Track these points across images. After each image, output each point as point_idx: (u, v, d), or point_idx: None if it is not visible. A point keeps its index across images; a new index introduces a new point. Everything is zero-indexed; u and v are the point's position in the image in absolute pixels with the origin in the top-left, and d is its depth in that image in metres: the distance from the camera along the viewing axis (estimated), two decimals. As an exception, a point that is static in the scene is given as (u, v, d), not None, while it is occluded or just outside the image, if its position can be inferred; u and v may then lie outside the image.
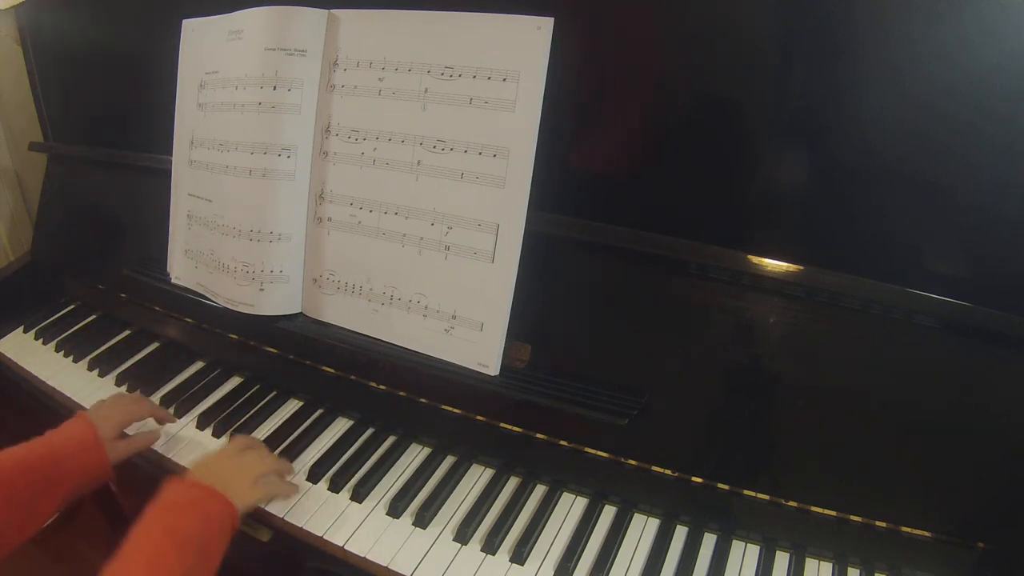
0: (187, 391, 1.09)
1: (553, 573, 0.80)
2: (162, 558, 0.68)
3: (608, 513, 0.87)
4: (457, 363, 0.90)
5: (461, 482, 0.92)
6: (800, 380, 0.79)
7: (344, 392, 1.02)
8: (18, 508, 0.80)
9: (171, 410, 1.04)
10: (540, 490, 0.91)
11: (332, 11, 0.93)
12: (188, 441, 1.00)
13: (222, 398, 1.09)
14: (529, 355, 0.90)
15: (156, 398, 1.08)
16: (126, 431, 0.94)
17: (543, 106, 0.82)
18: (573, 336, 0.89)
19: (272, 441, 0.98)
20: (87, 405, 1.07)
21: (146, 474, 0.95)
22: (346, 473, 0.92)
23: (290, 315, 1.02)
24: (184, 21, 1.08)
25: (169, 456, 0.98)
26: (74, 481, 0.85)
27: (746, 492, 0.81)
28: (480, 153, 0.86)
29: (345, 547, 0.83)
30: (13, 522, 0.79)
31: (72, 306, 1.35)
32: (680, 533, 0.85)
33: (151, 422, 1.00)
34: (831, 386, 0.78)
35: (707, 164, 0.82)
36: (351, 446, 0.97)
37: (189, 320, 1.16)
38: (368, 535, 0.84)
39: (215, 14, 1.02)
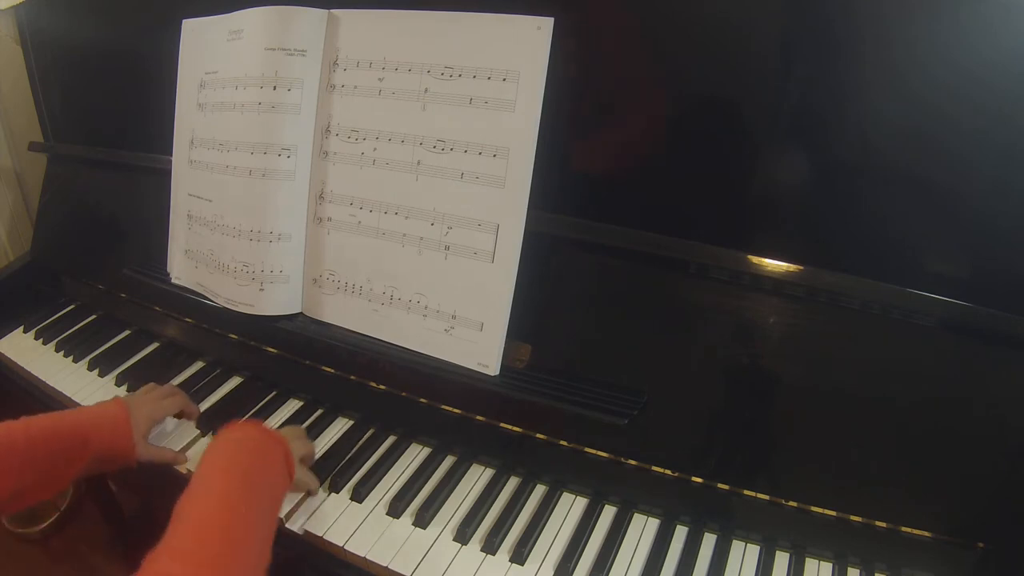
0: (187, 391, 1.08)
1: (553, 573, 0.80)
2: (229, 495, 0.69)
3: (608, 513, 0.87)
4: (457, 363, 0.90)
5: (461, 482, 0.92)
6: (800, 380, 0.79)
7: (344, 392, 1.02)
8: (41, 468, 0.82)
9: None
10: (540, 490, 0.90)
11: (332, 11, 0.93)
12: (188, 441, 1.00)
13: (222, 398, 1.09)
14: (529, 355, 0.90)
15: (172, 384, 1.08)
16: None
17: (543, 106, 0.82)
18: (573, 336, 0.89)
19: (272, 441, 0.98)
20: (87, 405, 1.08)
21: (146, 474, 0.95)
22: (346, 473, 0.92)
23: (290, 315, 1.02)
24: (184, 21, 1.08)
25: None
26: (97, 453, 0.87)
27: (746, 492, 0.81)
28: (480, 153, 0.86)
29: (345, 547, 0.83)
30: (33, 481, 0.82)
31: (72, 306, 1.35)
32: (680, 533, 0.84)
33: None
34: (831, 386, 0.78)
35: (707, 164, 0.82)
36: (351, 446, 0.97)
37: (189, 320, 1.16)
38: (368, 535, 0.84)
39: (215, 14, 1.02)
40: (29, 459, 0.80)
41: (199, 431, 1.02)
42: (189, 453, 0.98)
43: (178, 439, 1.00)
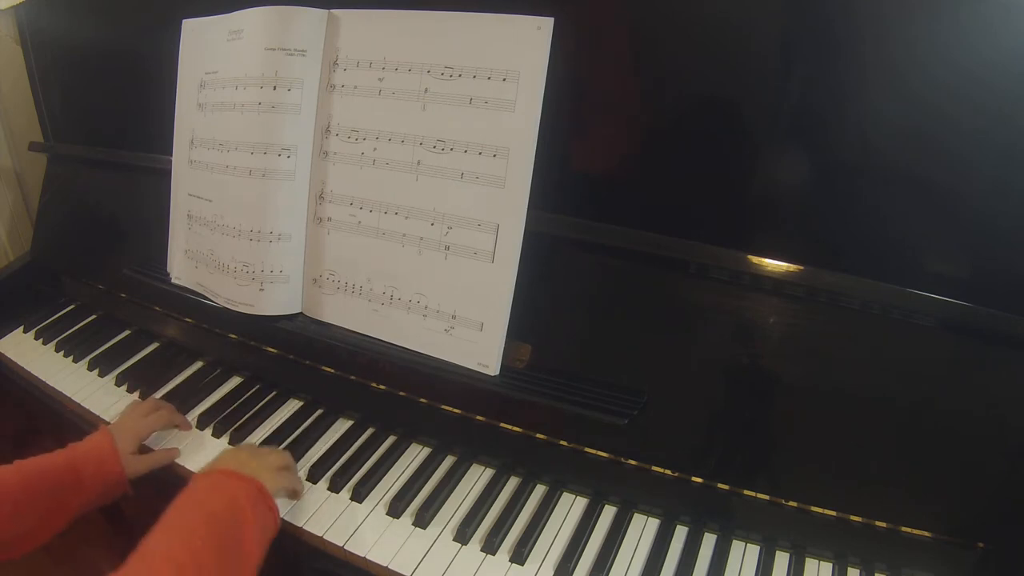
0: (187, 391, 1.09)
1: (553, 573, 0.80)
2: (193, 532, 0.69)
3: (608, 513, 0.87)
4: (457, 363, 0.90)
5: (461, 482, 0.92)
6: (800, 380, 0.79)
7: (344, 392, 1.02)
8: (34, 514, 0.81)
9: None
10: (540, 490, 0.90)
11: (332, 11, 0.93)
12: (188, 441, 1.00)
13: (222, 398, 1.09)
14: (529, 355, 0.90)
15: (156, 398, 1.08)
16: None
17: (543, 106, 0.82)
18: (573, 336, 0.89)
19: (272, 441, 0.99)
20: (87, 405, 1.08)
21: (147, 476, 0.95)
22: (346, 473, 0.92)
23: (290, 315, 1.02)
24: (184, 21, 1.08)
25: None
26: (90, 492, 0.86)
27: (746, 492, 0.81)
28: (480, 153, 0.86)
29: (345, 547, 0.83)
30: (28, 528, 0.81)
31: (72, 306, 1.35)
32: (680, 533, 0.84)
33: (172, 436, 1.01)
34: (831, 386, 0.78)
35: (707, 164, 0.82)
36: (351, 446, 0.97)
37: (189, 320, 1.16)
38: (368, 535, 0.84)
39: (215, 14, 1.02)
40: (24, 501, 0.80)
41: (197, 428, 1.02)
42: (182, 446, 0.99)
43: (173, 443, 1.01)
